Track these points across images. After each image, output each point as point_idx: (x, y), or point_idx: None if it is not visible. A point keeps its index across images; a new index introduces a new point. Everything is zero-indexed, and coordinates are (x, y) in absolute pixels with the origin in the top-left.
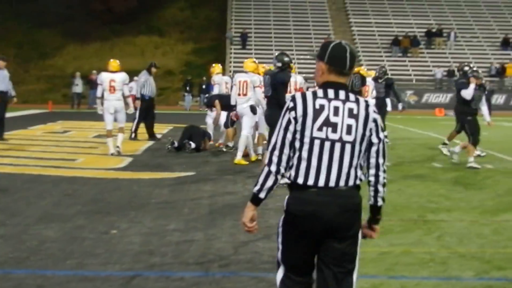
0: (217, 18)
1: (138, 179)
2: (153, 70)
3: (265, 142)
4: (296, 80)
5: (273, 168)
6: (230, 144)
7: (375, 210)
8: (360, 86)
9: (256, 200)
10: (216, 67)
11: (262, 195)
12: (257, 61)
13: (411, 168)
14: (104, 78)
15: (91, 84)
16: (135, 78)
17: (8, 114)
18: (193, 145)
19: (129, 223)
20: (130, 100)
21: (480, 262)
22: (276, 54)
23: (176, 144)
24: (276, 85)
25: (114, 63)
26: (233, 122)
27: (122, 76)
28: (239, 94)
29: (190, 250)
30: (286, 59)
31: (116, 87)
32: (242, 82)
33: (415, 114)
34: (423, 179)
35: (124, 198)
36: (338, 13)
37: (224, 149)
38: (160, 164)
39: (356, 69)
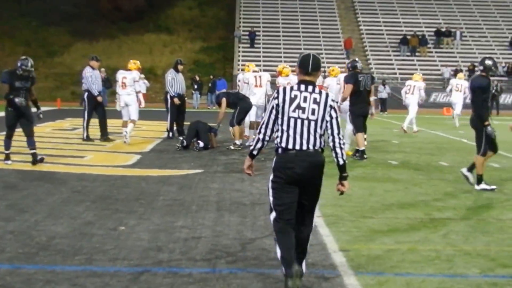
0: (225, 16)
1: (146, 176)
2: (180, 67)
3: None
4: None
5: (261, 136)
6: (238, 142)
7: (340, 168)
8: (371, 85)
9: (251, 155)
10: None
11: (254, 152)
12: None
13: (418, 166)
14: (117, 75)
15: None
16: (141, 76)
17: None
18: (201, 144)
19: (137, 219)
20: (140, 95)
21: (485, 260)
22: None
23: (185, 143)
24: (473, 89)
25: (129, 63)
26: (240, 121)
27: (133, 74)
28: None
29: (198, 247)
30: (487, 62)
31: (127, 83)
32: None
33: (423, 113)
34: (429, 177)
35: (132, 195)
36: (347, 12)
37: (232, 147)
38: (168, 162)
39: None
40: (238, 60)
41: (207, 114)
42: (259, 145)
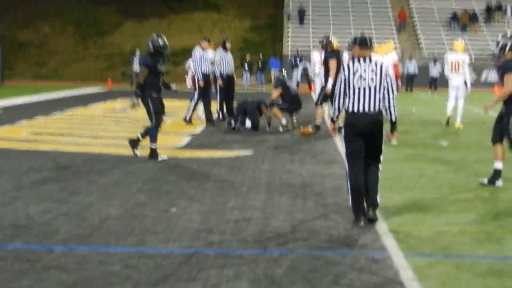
0: None
1: (197, 158)
2: (228, 45)
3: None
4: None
5: (337, 104)
6: (284, 122)
7: (392, 124)
8: None
9: (333, 121)
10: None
11: (334, 118)
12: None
13: (468, 147)
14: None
15: None
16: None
17: (69, 93)
18: (248, 123)
19: (188, 201)
20: (188, 76)
21: None
22: None
23: (233, 125)
24: None
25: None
26: (323, 100)
27: (209, 53)
28: (451, 71)
29: (248, 228)
30: None
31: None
32: (454, 61)
33: (474, 92)
34: (480, 158)
35: (183, 177)
36: None
37: (281, 129)
38: (218, 143)
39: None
40: (288, 38)
41: (257, 95)
42: (336, 112)
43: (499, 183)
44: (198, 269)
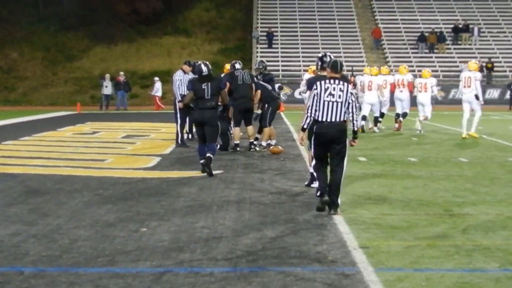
0: (242, 17)
1: (167, 178)
2: (185, 68)
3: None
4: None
5: (308, 114)
6: (264, 143)
7: (354, 132)
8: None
9: (303, 129)
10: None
11: (305, 126)
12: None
13: (437, 163)
14: None
15: (118, 85)
16: (155, 78)
17: (38, 116)
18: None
19: (158, 221)
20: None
21: (504, 254)
22: None
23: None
24: None
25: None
26: (271, 121)
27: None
28: (464, 86)
29: (219, 246)
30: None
31: None
32: (466, 77)
33: (442, 110)
34: (449, 173)
35: (153, 197)
36: (364, 10)
37: (257, 149)
38: (188, 163)
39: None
40: (256, 61)
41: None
42: (308, 120)
43: (315, 185)
44: None
